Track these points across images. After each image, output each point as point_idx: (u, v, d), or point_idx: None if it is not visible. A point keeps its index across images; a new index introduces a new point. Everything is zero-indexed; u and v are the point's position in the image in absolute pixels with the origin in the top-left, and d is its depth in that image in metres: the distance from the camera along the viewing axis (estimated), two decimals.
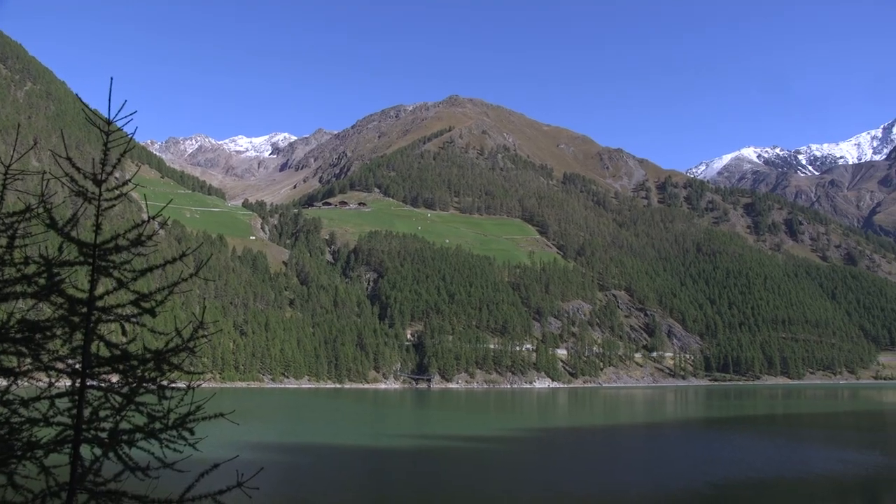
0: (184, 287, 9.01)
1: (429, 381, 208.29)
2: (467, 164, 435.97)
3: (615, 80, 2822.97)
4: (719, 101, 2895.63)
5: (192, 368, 9.71)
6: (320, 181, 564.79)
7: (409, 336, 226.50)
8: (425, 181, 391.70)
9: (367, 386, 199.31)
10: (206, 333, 9.29)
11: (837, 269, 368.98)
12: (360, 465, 56.66)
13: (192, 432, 8.83)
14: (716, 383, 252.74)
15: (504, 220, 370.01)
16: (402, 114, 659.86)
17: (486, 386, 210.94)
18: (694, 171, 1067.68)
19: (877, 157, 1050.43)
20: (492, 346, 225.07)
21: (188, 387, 9.37)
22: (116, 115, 8.89)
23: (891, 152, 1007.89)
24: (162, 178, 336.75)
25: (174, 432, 8.62)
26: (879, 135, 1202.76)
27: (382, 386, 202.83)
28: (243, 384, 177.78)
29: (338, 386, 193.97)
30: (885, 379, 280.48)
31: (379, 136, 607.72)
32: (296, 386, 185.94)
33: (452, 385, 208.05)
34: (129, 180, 9.22)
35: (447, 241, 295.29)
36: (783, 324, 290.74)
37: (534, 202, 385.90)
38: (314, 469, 53.47)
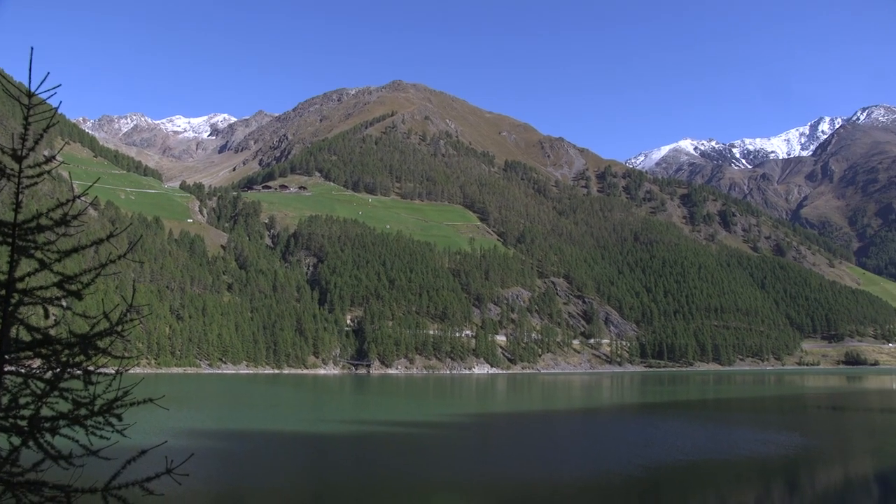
0: (113, 269, 8.66)
1: (368, 366, 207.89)
2: (409, 150, 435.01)
3: (558, 69, 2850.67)
4: (659, 92, 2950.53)
5: (123, 353, 9.37)
6: (260, 164, 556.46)
7: (348, 321, 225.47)
8: (367, 166, 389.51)
9: (306, 371, 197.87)
10: (135, 317, 8.98)
11: (767, 259, 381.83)
12: (299, 451, 56.22)
13: (119, 418, 8.51)
14: (651, 370, 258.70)
15: (445, 206, 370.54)
16: (344, 97, 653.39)
17: (425, 372, 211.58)
18: (633, 161, 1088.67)
19: (804, 153, 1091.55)
20: (431, 332, 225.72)
21: (117, 372, 9.05)
22: (38, 87, 8.41)
23: (816, 149, 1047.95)
24: (95, 157, 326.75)
25: (100, 419, 8.29)
26: (807, 132, 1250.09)
27: (322, 371, 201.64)
28: (179, 370, 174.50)
29: (276, 371, 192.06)
30: (807, 365, 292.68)
31: (321, 120, 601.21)
32: (234, 371, 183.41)
33: (392, 371, 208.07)
34: (55, 156, 8.79)
35: (388, 226, 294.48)
36: (715, 312, 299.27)
37: (475, 189, 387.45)
38: (250, 455, 52.82)
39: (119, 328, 8.66)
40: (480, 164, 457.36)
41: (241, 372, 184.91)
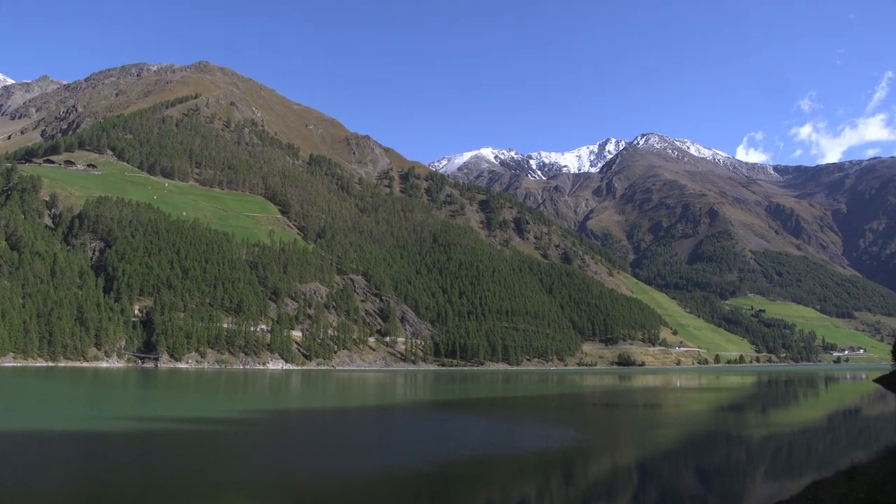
0: None
1: (156, 359, 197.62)
2: (212, 135, 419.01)
3: (368, 65, 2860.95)
4: (464, 99, 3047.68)
5: None
6: (42, 135, 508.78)
7: (136, 312, 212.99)
8: (165, 148, 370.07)
9: (86, 364, 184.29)
10: None
11: (555, 266, 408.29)
12: (71, 450, 52.12)
13: None
14: (444, 368, 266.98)
15: (246, 196, 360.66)
16: (144, 73, 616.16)
17: (217, 366, 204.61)
18: (436, 164, 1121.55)
19: (593, 170, 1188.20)
20: (225, 326, 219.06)
21: None
22: None
23: (603, 167, 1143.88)
24: None
25: None
26: (596, 150, 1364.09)
27: (104, 364, 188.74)
28: None
29: (51, 364, 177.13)
30: (586, 365, 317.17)
31: (116, 94, 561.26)
32: None
33: (182, 365, 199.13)
34: None
35: (184, 213, 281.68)
36: (506, 314, 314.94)
37: (278, 181, 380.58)
38: (10, 456, 48.21)
39: None
40: (285, 155, 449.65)
41: (7, 364, 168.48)
